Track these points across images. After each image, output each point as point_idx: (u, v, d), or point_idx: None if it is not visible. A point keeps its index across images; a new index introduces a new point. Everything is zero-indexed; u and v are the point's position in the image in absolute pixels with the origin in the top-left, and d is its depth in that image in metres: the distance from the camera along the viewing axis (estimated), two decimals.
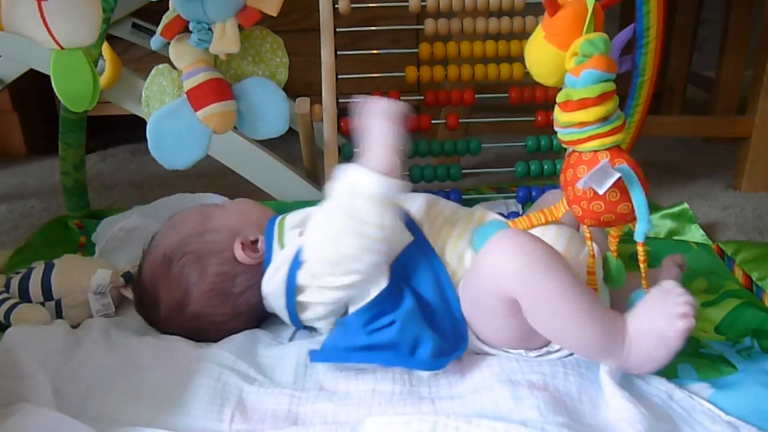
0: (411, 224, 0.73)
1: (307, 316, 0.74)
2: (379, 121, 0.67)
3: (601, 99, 0.60)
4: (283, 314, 0.75)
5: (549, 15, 0.62)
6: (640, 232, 0.61)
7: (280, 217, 0.79)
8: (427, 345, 0.65)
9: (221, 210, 0.83)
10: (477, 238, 0.71)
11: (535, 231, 0.69)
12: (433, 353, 0.65)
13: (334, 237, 0.67)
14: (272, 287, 0.74)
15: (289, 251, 0.73)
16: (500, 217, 0.77)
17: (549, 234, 0.71)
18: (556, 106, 0.64)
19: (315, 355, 0.68)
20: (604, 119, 0.61)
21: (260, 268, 0.76)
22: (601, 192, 0.59)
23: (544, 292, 0.62)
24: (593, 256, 0.67)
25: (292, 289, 0.72)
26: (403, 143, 0.67)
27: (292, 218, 0.78)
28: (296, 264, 0.71)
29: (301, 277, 0.71)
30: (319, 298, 0.71)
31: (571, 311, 0.62)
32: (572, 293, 0.62)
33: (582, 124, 0.62)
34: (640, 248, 0.64)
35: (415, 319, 0.67)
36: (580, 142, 0.63)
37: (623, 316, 0.64)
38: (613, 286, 0.70)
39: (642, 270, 0.66)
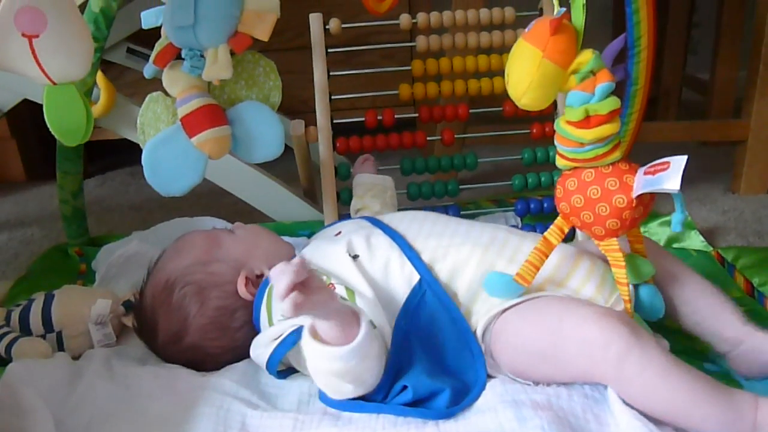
0: (418, 263, 0.72)
1: (301, 368, 0.72)
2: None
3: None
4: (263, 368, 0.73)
5: (551, 33, 0.61)
6: (677, 221, 0.62)
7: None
8: (444, 395, 0.65)
9: (230, 238, 0.82)
10: (489, 287, 0.69)
11: (560, 268, 0.70)
12: (449, 400, 0.65)
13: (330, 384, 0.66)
14: (255, 356, 0.73)
15: (276, 332, 0.70)
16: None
17: (578, 276, 0.70)
18: (569, 128, 0.64)
19: (327, 399, 0.68)
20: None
21: None
22: (677, 188, 0.59)
23: (646, 382, 0.60)
24: (626, 284, 0.67)
25: (275, 361, 0.70)
26: None
27: None
28: (284, 345, 0.69)
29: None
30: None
31: (677, 394, 0.59)
32: (675, 376, 0.60)
33: (608, 136, 0.63)
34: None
35: (427, 377, 0.66)
36: (605, 156, 0.64)
37: (753, 395, 0.60)
38: (650, 317, 0.70)
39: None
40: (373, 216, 0.84)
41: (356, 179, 1.00)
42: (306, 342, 0.62)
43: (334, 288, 0.71)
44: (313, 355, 0.63)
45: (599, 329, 0.61)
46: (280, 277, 0.56)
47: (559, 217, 0.69)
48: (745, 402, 0.59)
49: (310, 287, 0.57)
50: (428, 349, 0.68)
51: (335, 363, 0.62)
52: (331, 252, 0.76)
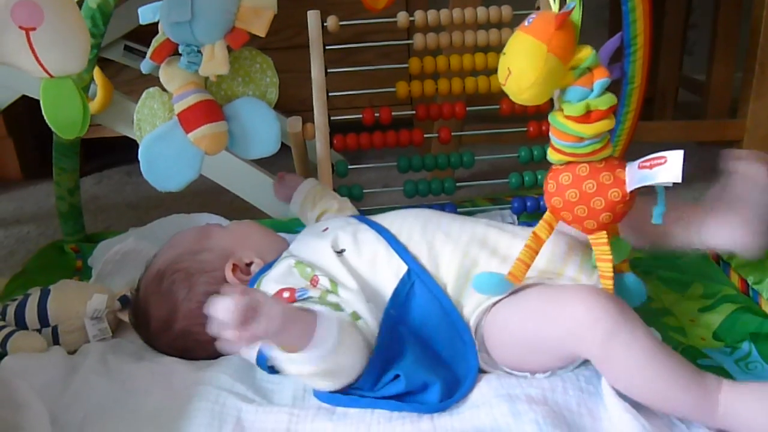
0: (405, 255, 0.72)
1: None
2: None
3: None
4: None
5: (556, 27, 0.60)
6: (658, 214, 0.62)
7: (260, 277, 0.76)
8: (435, 387, 0.65)
9: (221, 230, 0.84)
10: (479, 287, 0.68)
11: (541, 254, 0.68)
12: (441, 393, 0.65)
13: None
14: (244, 351, 0.73)
15: None
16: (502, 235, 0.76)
17: (559, 259, 0.70)
18: (569, 123, 0.63)
19: (321, 395, 0.68)
20: None
21: None
22: (678, 179, 0.59)
23: (631, 362, 0.60)
24: (610, 279, 0.66)
25: (264, 356, 0.70)
26: None
27: (268, 282, 0.75)
28: None
29: None
30: None
31: (660, 375, 0.60)
32: (659, 359, 0.60)
33: (605, 131, 0.63)
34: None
35: (419, 366, 0.66)
36: (600, 150, 0.64)
37: (718, 378, 0.61)
38: (630, 302, 0.69)
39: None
40: (358, 215, 0.85)
41: (293, 204, 0.98)
42: (272, 352, 0.62)
43: (319, 280, 0.71)
44: (281, 361, 0.63)
45: (586, 308, 0.61)
46: (220, 325, 0.55)
47: (547, 213, 0.68)
48: (712, 387, 0.60)
49: (254, 317, 0.56)
50: (420, 339, 0.68)
51: (303, 367, 0.62)
52: (317, 246, 0.76)
